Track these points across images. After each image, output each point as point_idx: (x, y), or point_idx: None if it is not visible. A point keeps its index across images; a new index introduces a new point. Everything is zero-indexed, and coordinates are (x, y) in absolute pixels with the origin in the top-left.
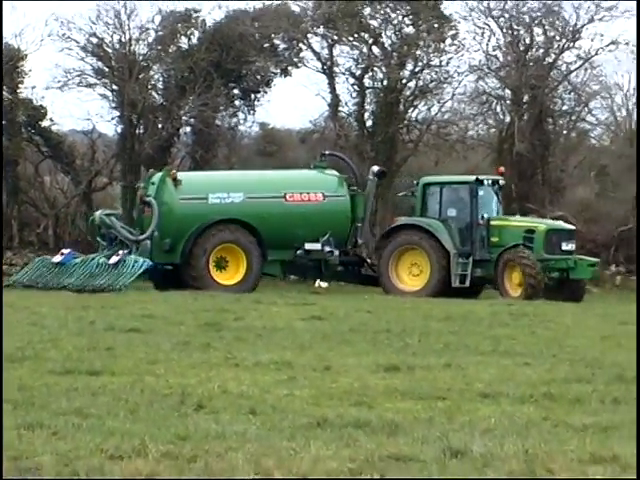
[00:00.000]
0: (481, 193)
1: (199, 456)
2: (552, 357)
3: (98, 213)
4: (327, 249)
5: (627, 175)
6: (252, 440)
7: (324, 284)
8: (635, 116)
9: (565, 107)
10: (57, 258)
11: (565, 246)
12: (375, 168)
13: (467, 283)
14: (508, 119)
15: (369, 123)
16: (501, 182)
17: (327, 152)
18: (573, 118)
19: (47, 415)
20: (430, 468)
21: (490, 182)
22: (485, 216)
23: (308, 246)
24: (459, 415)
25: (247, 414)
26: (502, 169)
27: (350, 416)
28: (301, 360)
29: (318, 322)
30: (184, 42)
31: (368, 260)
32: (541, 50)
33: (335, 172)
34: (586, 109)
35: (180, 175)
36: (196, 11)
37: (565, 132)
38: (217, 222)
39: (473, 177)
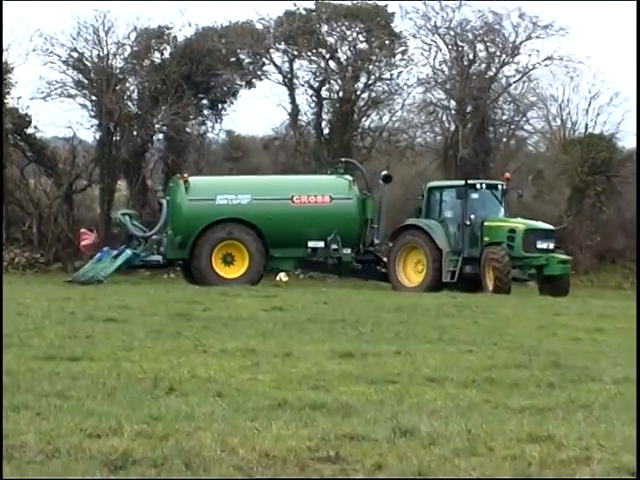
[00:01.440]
0: (475, 196)
1: (170, 435)
2: (493, 345)
3: (117, 213)
4: (333, 247)
5: (561, 179)
6: (219, 420)
7: (285, 278)
8: (569, 124)
9: (505, 117)
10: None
11: (540, 244)
12: (382, 173)
13: (455, 279)
14: (453, 127)
15: (326, 131)
16: (502, 186)
17: (343, 159)
18: (512, 127)
19: (31, 397)
20: (381, 446)
21: (485, 186)
22: (472, 217)
23: (311, 244)
24: (408, 398)
25: (214, 397)
26: (508, 175)
27: (308, 398)
28: (264, 347)
29: (279, 313)
30: (157, 57)
31: (384, 259)
32: (483, 64)
33: (348, 177)
34: (524, 119)
35: (192, 179)
36: (168, 28)
37: (505, 139)
38: (220, 221)
39: (472, 181)
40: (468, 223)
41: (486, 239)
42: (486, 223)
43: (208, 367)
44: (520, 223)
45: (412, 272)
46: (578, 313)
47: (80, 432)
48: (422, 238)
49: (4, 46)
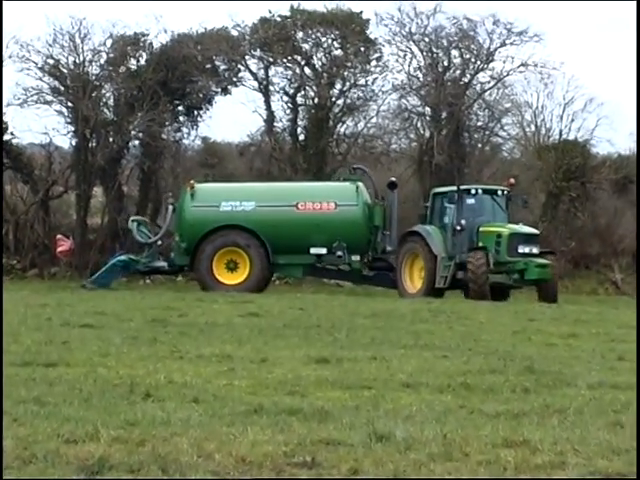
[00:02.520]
0: (471, 201)
1: (147, 440)
2: (468, 350)
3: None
4: (338, 254)
5: (535, 185)
6: (195, 426)
7: None
8: (543, 131)
9: (480, 123)
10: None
11: (522, 249)
12: (390, 179)
13: (446, 284)
14: (428, 134)
15: (301, 137)
16: (504, 192)
17: (354, 166)
18: (487, 133)
19: (9, 403)
20: (357, 451)
21: (481, 191)
22: (463, 222)
23: (313, 251)
24: (383, 403)
25: (190, 402)
26: (512, 180)
27: (284, 404)
28: (240, 353)
29: (255, 318)
30: (133, 63)
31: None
32: (458, 71)
33: (357, 183)
34: (499, 125)
35: (198, 186)
36: (144, 35)
37: (480, 145)
38: (224, 227)
39: (466, 186)
40: (459, 228)
41: (480, 244)
42: (481, 229)
43: (184, 373)
44: (506, 228)
45: (416, 278)
46: (553, 318)
47: (57, 438)
48: (421, 244)
49: None
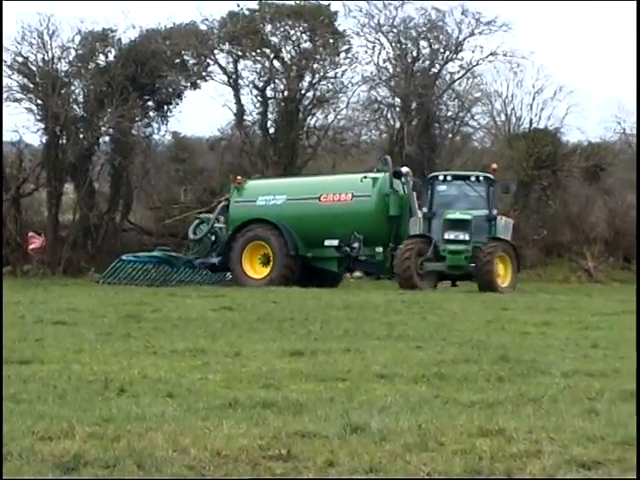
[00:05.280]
0: (442, 188)
1: (122, 436)
2: (442, 340)
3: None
4: (354, 245)
5: (506, 174)
6: (170, 420)
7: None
8: (514, 120)
9: (450, 113)
10: None
11: (447, 235)
12: (395, 169)
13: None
14: (398, 125)
15: (272, 130)
16: (483, 178)
17: (380, 157)
18: (457, 123)
19: None
20: (332, 443)
21: (451, 177)
22: (423, 210)
23: (327, 242)
24: (358, 394)
25: (165, 397)
26: (494, 166)
27: (259, 397)
28: (214, 347)
29: (228, 312)
30: (102, 59)
31: None
32: (427, 61)
33: (377, 174)
34: (469, 114)
35: (252, 182)
36: (112, 31)
37: (450, 136)
38: (252, 221)
39: (436, 173)
40: (419, 216)
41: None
42: (445, 217)
43: (158, 368)
44: (448, 213)
45: None
46: (526, 307)
47: (32, 435)
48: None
49: None
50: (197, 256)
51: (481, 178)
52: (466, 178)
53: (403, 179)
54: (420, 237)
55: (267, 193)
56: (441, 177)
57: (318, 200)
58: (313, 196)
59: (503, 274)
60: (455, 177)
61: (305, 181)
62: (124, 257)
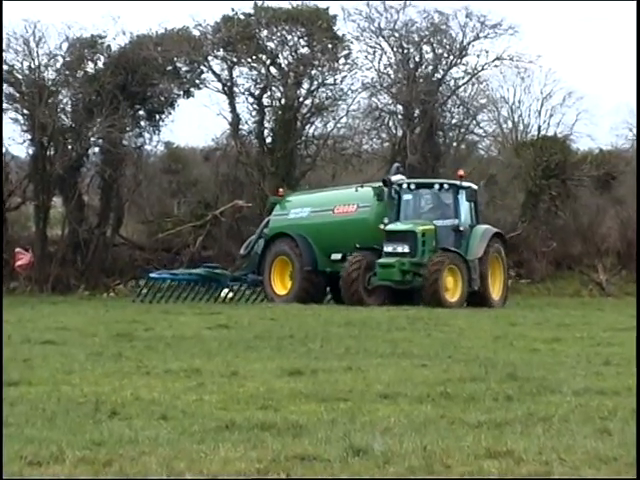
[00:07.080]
0: (407, 197)
1: (114, 460)
2: (447, 358)
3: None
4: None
5: (514, 183)
6: (164, 444)
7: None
8: (521, 127)
9: (454, 120)
10: None
11: (386, 247)
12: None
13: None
14: (400, 133)
15: (269, 140)
16: (451, 186)
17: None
18: (462, 130)
19: None
20: (334, 466)
21: (414, 187)
22: (385, 220)
23: (333, 256)
24: (360, 415)
25: (159, 419)
26: (461, 172)
27: (257, 419)
28: (209, 367)
29: (224, 330)
30: (91, 67)
31: None
32: (430, 67)
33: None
34: (474, 122)
35: (295, 194)
36: (101, 37)
37: (455, 144)
38: (277, 235)
39: (406, 181)
40: (381, 227)
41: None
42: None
43: (152, 389)
44: (388, 225)
45: None
46: (535, 323)
47: (20, 460)
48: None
49: None
50: (246, 272)
51: (446, 186)
52: (431, 186)
53: (393, 188)
54: (369, 250)
55: (299, 206)
56: (405, 185)
57: (332, 212)
58: (328, 208)
59: (452, 287)
60: (419, 185)
61: (330, 192)
62: (152, 275)
